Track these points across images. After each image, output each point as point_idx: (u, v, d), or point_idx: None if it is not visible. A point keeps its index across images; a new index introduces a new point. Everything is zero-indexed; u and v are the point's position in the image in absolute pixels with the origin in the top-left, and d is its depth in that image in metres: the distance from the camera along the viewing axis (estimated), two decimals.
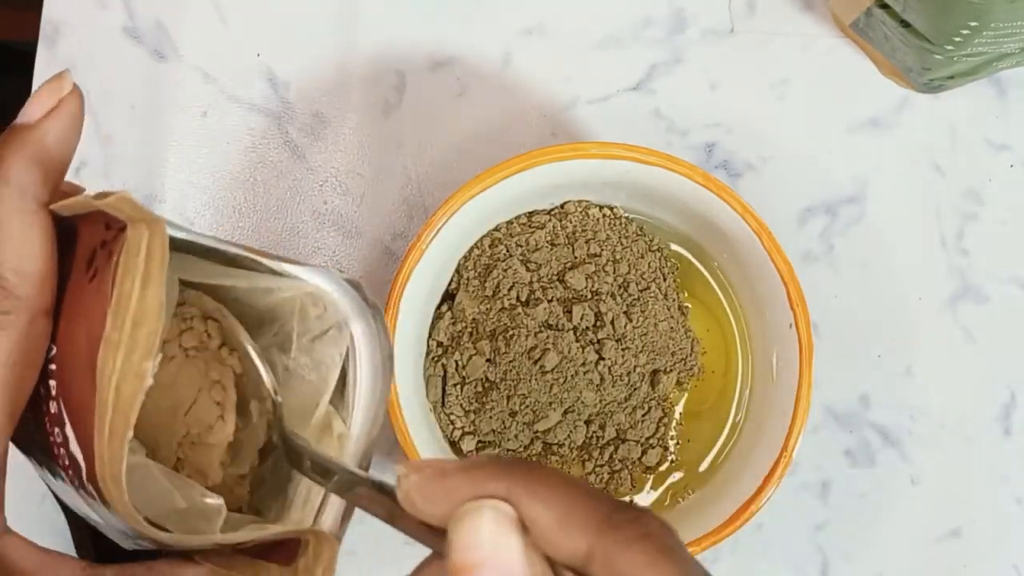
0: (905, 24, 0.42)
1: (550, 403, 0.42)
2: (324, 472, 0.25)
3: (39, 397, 0.24)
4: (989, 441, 0.46)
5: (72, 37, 0.48)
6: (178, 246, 0.23)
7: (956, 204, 0.47)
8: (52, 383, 0.24)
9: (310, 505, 0.28)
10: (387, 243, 0.47)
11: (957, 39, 0.40)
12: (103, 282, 0.22)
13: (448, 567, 0.19)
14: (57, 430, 0.24)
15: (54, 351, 0.24)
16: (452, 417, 0.43)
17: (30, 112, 0.24)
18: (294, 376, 0.29)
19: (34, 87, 0.48)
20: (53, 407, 0.24)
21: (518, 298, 0.42)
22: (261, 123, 0.48)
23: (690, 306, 0.44)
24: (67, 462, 0.24)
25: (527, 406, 0.42)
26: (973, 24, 0.38)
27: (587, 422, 0.43)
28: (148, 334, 0.21)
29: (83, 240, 0.24)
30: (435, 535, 0.21)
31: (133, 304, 0.21)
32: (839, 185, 0.47)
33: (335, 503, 0.28)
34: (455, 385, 0.43)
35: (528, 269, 0.43)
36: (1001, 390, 0.46)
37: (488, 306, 0.42)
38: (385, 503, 0.22)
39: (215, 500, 0.26)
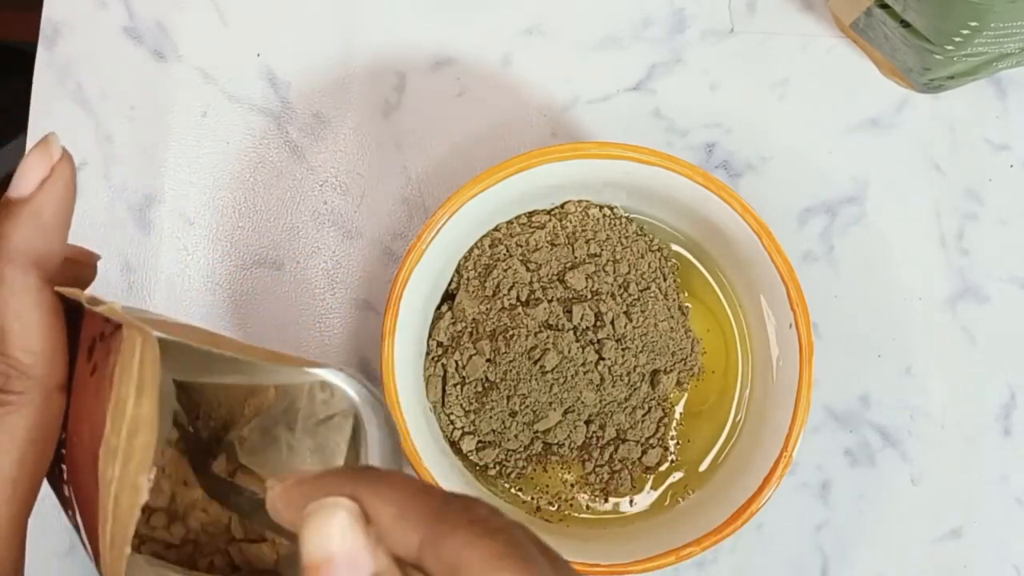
0: (905, 24, 0.42)
1: (550, 403, 0.42)
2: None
3: (55, 476, 0.24)
4: (989, 441, 0.46)
5: (72, 37, 0.48)
6: (170, 349, 0.23)
7: (956, 204, 0.47)
8: (64, 467, 0.24)
9: None
10: (387, 243, 0.47)
11: (957, 39, 0.40)
12: (102, 379, 0.22)
13: (301, 568, 0.20)
14: (71, 513, 0.24)
15: (63, 435, 0.24)
16: (452, 417, 0.43)
17: (22, 186, 0.24)
18: (297, 455, 0.29)
19: (34, 87, 0.48)
20: (67, 491, 0.24)
21: (518, 298, 0.42)
22: (261, 123, 0.48)
23: (690, 306, 0.44)
24: (81, 543, 0.24)
25: (527, 406, 0.42)
26: (973, 24, 0.38)
27: (587, 422, 0.43)
28: (143, 446, 0.21)
29: (86, 324, 0.24)
30: None
31: (129, 411, 0.21)
32: (839, 185, 0.47)
33: None
34: (455, 385, 0.43)
35: (528, 269, 0.43)
36: (1001, 390, 0.46)
37: (488, 306, 0.42)
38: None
39: None
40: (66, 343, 0.23)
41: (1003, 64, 0.43)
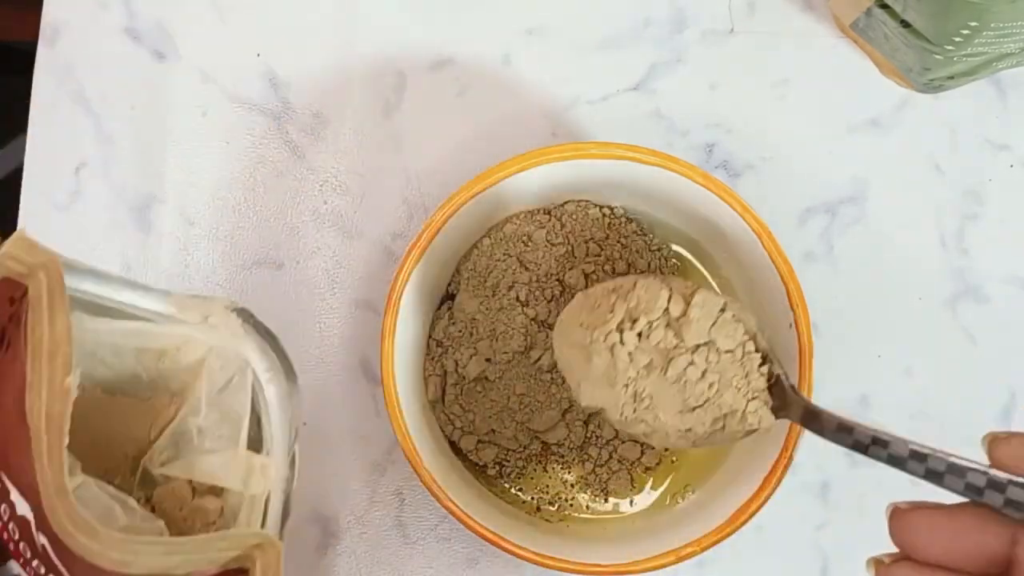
0: (905, 24, 0.42)
1: (549, 403, 0.42)
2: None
3: None
4: None
5: (72, 37, 0.48)
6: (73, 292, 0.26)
7: (956, 204, 0.47)
8: None
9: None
10: (387, 243, 0.47)
11: (957, 39, 0.40)
12: (17, 344, 0.24)
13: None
14: (4, 506, 0.25)
15: None
16: (451, 416, 0.43)
17: None
18: (207, 434, 0.31)
19: (34, 87, 0.48)
20: None
21: (517, 298, 0.42)
22: (261, 123, 0.48)
23: None
24: (17, 535, 0.25)
25: (526, 405, 0.42)
26: (973, 24, 0.38)
27: (586, 422, 0.43)
28: (64, 357, 0.23)
29: None
30: None
31: (46, 341, 0.23)
32: (839, 185, 0.47)
33: (275, 511, 0.30)
34: (454, 384, 0.43)
35: (527, 269, 0.43)
36: (1001, 390, 0.46)
37: (487, 305, 0.42)
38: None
39: (156, 521, 0.27)
40: None
41: (1003, 64, 0.43)
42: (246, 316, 0.31)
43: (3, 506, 0.25)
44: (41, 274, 0.24)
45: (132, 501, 0.27)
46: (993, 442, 0.25)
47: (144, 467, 0.32)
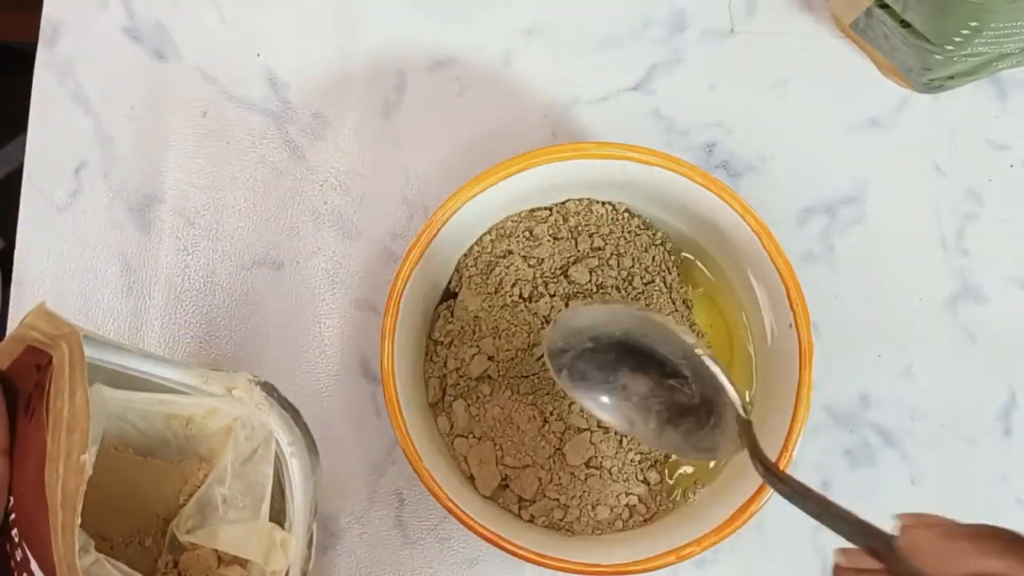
0: (905, 24, 0.42)
1: (553, 400, 0.42)
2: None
3: (4, 553, 0.25)
4: (989, 441, 0.46)
5: (72, 37, 0.48)
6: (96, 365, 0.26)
7: (956, 204, 0.47)
8: (15, 531, 0.25)
9: None
10: (387, 243, 0.47)
11: (957, 39, 0.40)
12: (40, 412, 0.25)
13: None
14: (26, 575, 0.25)
15: (12, 502, 0.25)
16: (452, 416, 0.43)
17: None
18: (231, 504, 0.32)
19: (34, 87, 0.48)
20: (19, 554, 0.25)
21: (520, 294, 0.42)
22: (261, 123, 0.48)
23: (693, 299, 0.44)
24: None
25: (529, 404, 0.42)
26: (973, 24, 0.39)
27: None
28: (82, 432, 0.23)
29: (21, 391, 0.26)
30: None
31: (65, 414, 0.23)
32: (839, 185, 0.47)
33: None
34: (455, 384, 0.43)
35: (530, 265, 0.43)
36: (1001, 390, 0.46)
37: (490, 303, 0.42)
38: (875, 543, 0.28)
39: None
40: (5, 411, 0.25)
41: (1003, 64, 0.43)
42: (269, 389, 0.31)
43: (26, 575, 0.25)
44: (64, 345, 0.25)
45: None
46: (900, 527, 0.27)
47: (172, 531, 0.33)
